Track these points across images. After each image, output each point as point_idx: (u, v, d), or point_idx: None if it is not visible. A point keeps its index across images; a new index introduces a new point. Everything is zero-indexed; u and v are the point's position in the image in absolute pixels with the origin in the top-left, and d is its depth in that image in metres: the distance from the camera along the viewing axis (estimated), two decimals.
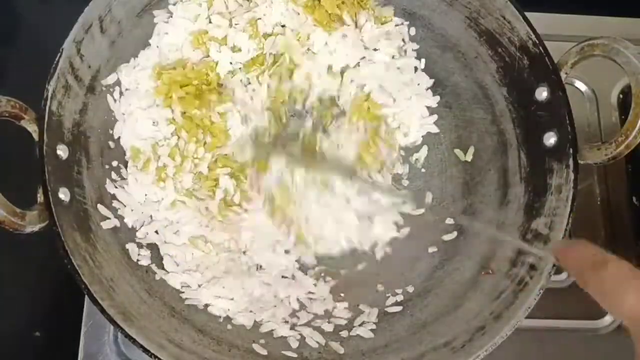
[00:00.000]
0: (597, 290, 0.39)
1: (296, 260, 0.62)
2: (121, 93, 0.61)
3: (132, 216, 0.59)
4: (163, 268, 0.58)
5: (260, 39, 0.63)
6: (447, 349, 0.54)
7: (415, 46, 0.68)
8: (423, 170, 0.67)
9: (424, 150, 0.67)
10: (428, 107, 0.68)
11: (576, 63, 0.56)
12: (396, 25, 0.67)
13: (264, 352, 0.56)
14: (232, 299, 0.58)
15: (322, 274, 0.62)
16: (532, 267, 0.54)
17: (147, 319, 0.53)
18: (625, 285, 0.38)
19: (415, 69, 0.68)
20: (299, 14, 0.64)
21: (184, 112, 0.61)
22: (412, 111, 0.67)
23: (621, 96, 0.77)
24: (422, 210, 0.65)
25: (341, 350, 0.57)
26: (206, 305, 0.58)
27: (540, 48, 0.57)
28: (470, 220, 0.63)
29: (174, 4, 0.63)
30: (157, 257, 0.59)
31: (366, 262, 0.62)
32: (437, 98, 0.67)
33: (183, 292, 0.58)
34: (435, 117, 0.67)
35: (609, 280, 0.39)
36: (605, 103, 0.76)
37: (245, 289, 0.59)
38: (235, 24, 0.63)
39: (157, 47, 0.63)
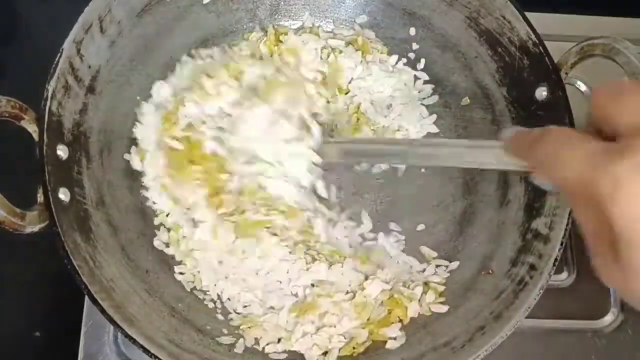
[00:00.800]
0: (541, 158, 0.36)
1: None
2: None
3: None
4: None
5: None
6: (447, 349, 0.54)
7: (415, 46, 0.68)
8: (423, 170, 0.67)
9: None
10: (427, 106, 0.68)
11: (576, 63, 0.56)
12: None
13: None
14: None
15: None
16: (532, 267, 0.54)
17: (147, 319, 0.53)
18: (567, 149, 0.34)
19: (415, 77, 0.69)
20: None
21: None
22: (409, 112, 0.67)
23: None
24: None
25: None
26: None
27: (540, 48, 0.57)
28: (470, 220, 0.63)
29: None
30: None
31: None
32: (436, 97, 0.68)
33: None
34: (434, 117, 0.67)
35: (549, 149, 0.36)
36: None
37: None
38: None
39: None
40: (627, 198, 0.30)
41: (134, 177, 0.62)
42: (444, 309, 0.58)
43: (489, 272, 0.58)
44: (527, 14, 0.58)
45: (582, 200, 0.33)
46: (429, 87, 0.68)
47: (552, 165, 0.35)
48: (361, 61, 0.68)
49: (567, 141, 0.35)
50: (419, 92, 0.68)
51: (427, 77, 0.68)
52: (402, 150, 0.55)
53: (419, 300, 0.59)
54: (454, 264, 0.61)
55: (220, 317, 0.59)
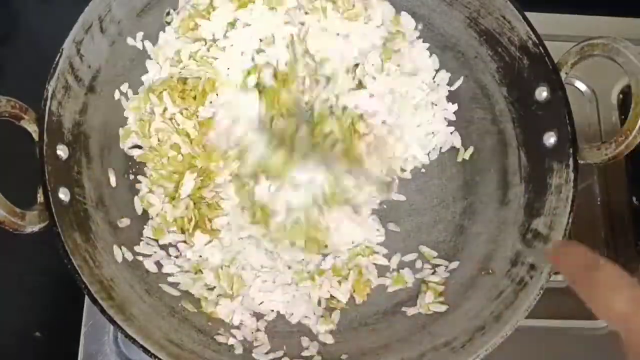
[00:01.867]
0: (588, 291, 0.40)
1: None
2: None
3: None
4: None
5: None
6: (447, 349, 0.54)
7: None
8: (423, 170, 0.67)
9: None
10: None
11: (576, 63, 0.56)
12: None
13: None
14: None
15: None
16: (532, 267, 0.54)
17: (147, 319, 0.53)
18: (616, 290, 0.39)
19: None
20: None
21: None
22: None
23: (621, 96, 0.77)
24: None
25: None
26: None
27: (540, 48, 0.57)
28: (470, 220, 0.63)
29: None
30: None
31: None
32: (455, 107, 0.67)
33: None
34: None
35: (600, 283, 0.40)
36: (605, 103, 0.76)
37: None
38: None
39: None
40: None
41: (134, 176, 0.62)
42: (442, 308, 0.58)
43: (489, 272, 0.58)
44: (527, 14, 0.58)
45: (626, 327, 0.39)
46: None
47: (599, 297, 0.40)
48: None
49: (617, 285, 0.39)
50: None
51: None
52: None
53: (417, 300, 0.59)
54: (454, 264, 0.61)
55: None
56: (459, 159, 0.66)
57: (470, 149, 0.65)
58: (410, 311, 0.59)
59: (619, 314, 0.38)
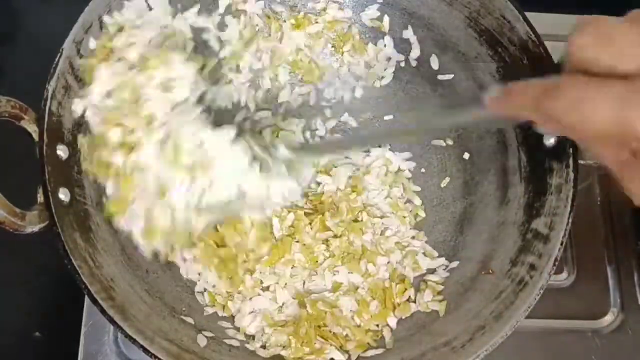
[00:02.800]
0: (557, 114, 0.35)
1: None
2: None
3: None
4: None
5: None
6: (447, 348, 0.54)
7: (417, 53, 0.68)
8: (423, 170, 0.67)
9: None
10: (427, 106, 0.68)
11: None
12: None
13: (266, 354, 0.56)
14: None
15: None
16: (532, 267, 0.54)
17: (147, 319, 0.53)
18: (592, 99, 0.34)
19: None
20: None
21: None
22: None
23: None
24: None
25: None
26: None
27: (540, 48, 0.57)
28: (470, 220, 0.63)
29: None
30: None
31: None
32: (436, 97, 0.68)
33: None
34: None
35: (571, 99, 0.35)
36: None
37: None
38: None
39: None
40: None
41: None
42: (441, 307, 0.58)
43: (489, 272, 0.58)
44: (527, 14, 0.58)
45: (612, 142, 0.35)
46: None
47: (574, 118, 0.35)
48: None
49: (587, 92, 0.34)
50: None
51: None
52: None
53: (416, 298, 0.60)
54: (454, 264, 0.61)
55: None
56: (460, 159, 0.66)
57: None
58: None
59: (610, 120, 0.33)
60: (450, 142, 0.67)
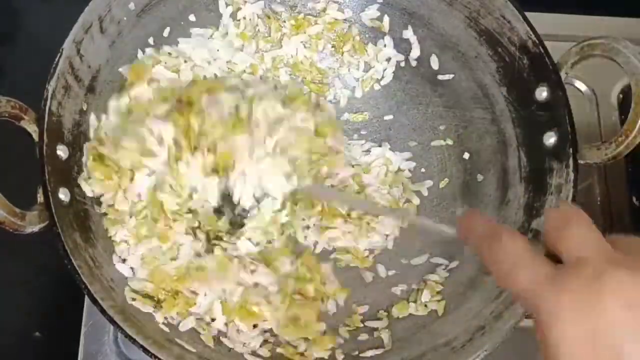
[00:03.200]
0: (491, 263, 0.39)
1: None
2: None
3: None
4: None
5: None
6: (447, 348, 0.54)
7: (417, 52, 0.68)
8: (423, 170, 0.67)
9: None
10: (427, 106, 0.68)
11: (576, 63, 0.56)
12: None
13: (267, 354, 0.56)
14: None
15: None
16: None
17: (147, 319, 0.53)
18: (518, 261, 0.37)
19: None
20: None
21: None
22: None
23: (621, 96, 0.77)
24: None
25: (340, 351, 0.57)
26: None
27: (540, 48, 0.57)
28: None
29: None
30: None
31: None
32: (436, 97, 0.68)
33: None
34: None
35: (502, 255, 0.38)
36: (605, 103, 0.76)
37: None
38: None
39: None
40: (558, 330, 0.34)
41: None
42: (440, 306, 0.58)
43: (489, 272, 0.58)
44: (527, 14, 0.58)
45: (525, 304, 0.38)
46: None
47: (502, 271, 0.38)
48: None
49: (519, 259, 0.38)
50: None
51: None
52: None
53: (415, 299, 0.60)
54: (454, 264, 0.61)
55: None
56: (460, 159, 0.66)
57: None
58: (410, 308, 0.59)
59: (523, 285, 0.37)
60: (450, 142, 0.67)
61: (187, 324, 0.55)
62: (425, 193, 0.66)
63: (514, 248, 0.38)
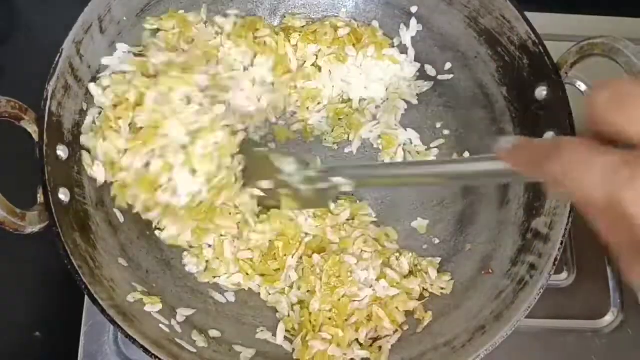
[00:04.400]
0: (555, 176, 0.35)
1: None
2: None
3: None
4: None
5: None
6: (447, 348, 0.54)
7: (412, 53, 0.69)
8: None
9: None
10: (428, 106, 0.68)
11: (576, 63, 0.56)
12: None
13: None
14: None
15: None
16: (532, 266, 0.54)
17: (147, 319, 0.53)
18: (585, 165, 0.33)
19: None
20: None
21: None
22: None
23: None
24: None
25: None
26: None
27: (540, 48, 0.57)
28: (471, 220, 0.63)
29: None
30: None
31: None
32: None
33: None
34: None
35: (566, 164, 0.34)
36: None
37: None
38: None
39: None
40: None
41: None
42: (449, 285, 0.59)
43: (489, 271, 0.58)
44: (527, 14, 0.58)
45: (605, 214, 0.33)
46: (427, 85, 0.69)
47: (569, 184, 0.34)
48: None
49: (582, 158, 0.34)
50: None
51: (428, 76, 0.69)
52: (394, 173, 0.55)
53: (425, 279, 0.60)
54: (454, 264, 0.61)
55: None
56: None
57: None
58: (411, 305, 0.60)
59: (600, 195, 0.32)
60: (450, 142, 0.67)
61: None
62: (427, 193, 0.66)
63: (573, 149, 0.34)
